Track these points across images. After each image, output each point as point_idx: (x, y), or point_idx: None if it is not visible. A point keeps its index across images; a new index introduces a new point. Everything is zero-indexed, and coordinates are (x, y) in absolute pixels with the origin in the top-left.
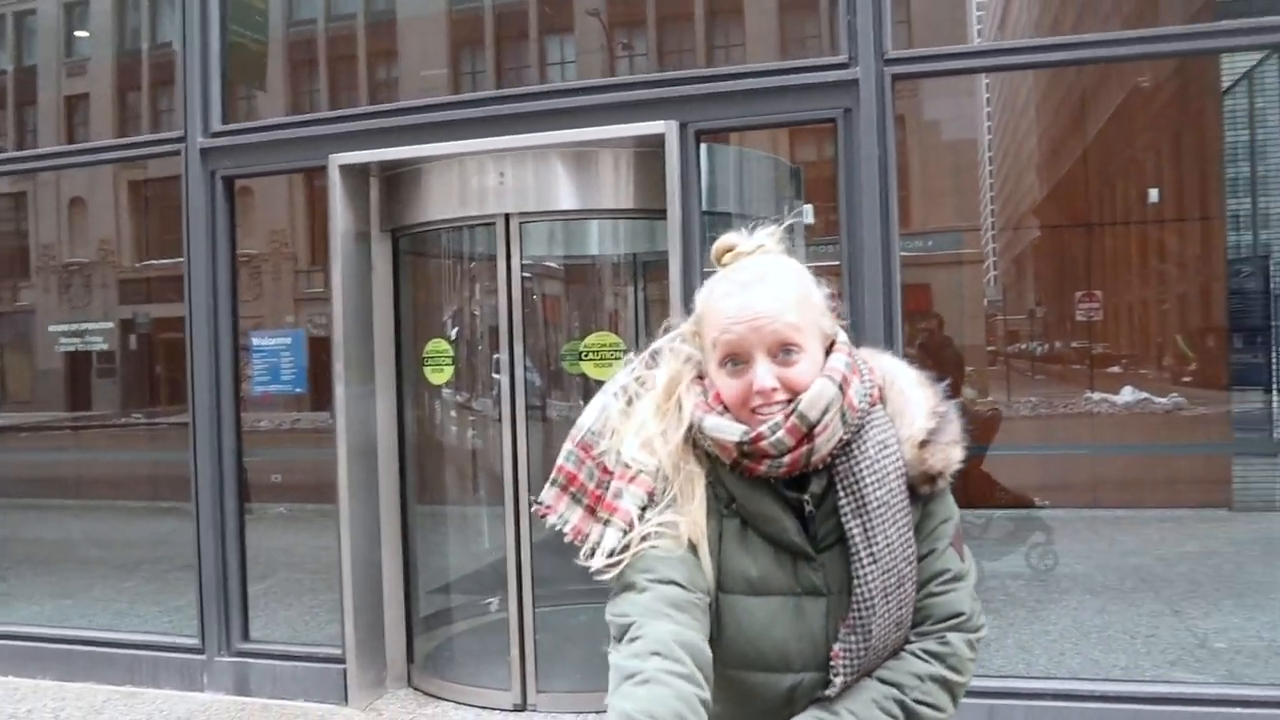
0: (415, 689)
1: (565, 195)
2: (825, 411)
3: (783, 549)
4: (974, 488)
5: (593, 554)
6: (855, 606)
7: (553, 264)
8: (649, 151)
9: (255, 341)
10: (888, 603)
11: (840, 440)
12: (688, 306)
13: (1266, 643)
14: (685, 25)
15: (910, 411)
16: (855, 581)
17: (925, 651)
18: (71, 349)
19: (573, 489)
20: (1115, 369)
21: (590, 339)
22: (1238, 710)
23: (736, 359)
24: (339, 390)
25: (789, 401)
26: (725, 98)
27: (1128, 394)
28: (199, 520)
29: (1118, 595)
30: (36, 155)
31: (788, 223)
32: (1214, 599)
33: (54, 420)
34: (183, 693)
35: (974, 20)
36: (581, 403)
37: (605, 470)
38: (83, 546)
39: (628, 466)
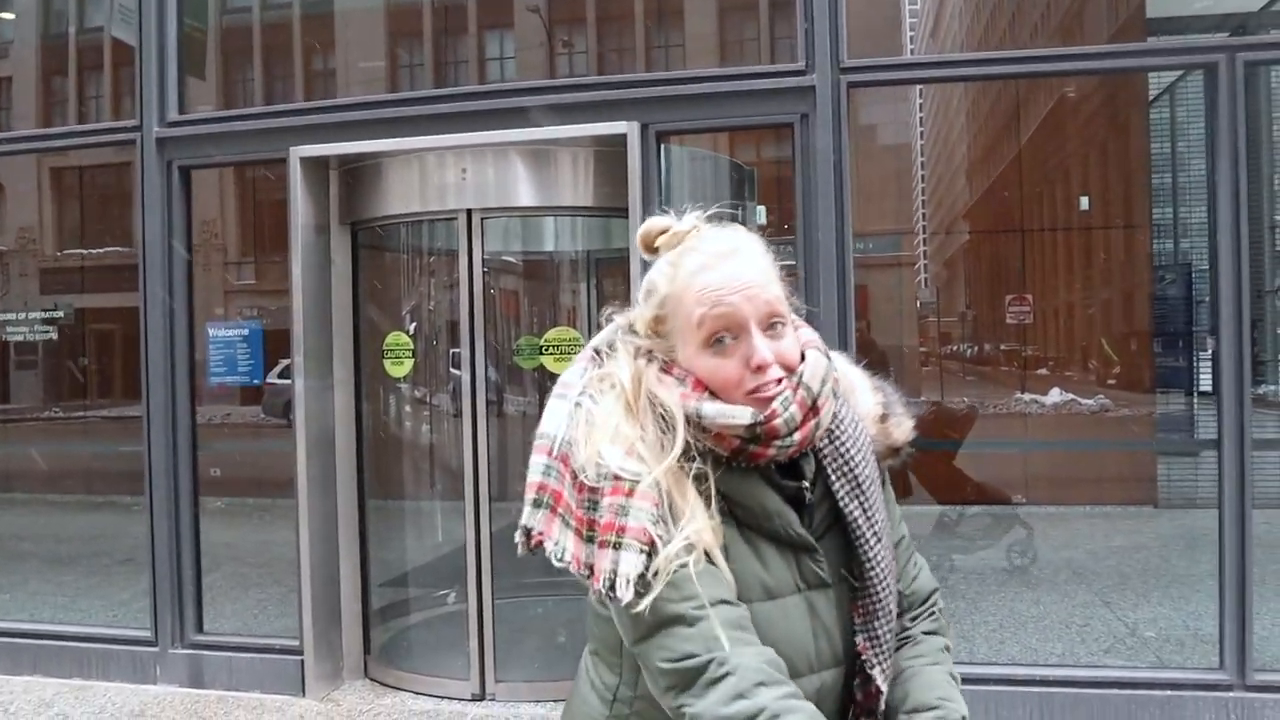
0: (372, 680)
1: (525, 192)
2: (824, 383)
3: (783, 544)
4: (947, 482)
5: (611, 585)
6: (871, 591)
7: (510, 259)
8: (608, 151)
9: (212, 333)
10: (895, 580)
11: (834, 416)
12: (632, 299)
13: (1191, 631)
14: (625, 25)
15: (858, 388)
16: (866, 565)
17: (932, 631)
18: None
19: (560, 510)
20: (1044, 371)
21: (550, 334)
22: (1167, 693)
23: (727, 334)
24: (298, 383)
25: (780, 381)
26: (686, 100)
27: (1055, 395)
28: (153, 512)
29: (1051, 587)
30: None
31: (711, 210)
32: (1142, 591)
33: None
34: (135, 685)
35: (907, 29)
36: (539, 397)
37: (582, 488)
38: (11, 540)
39: (618, 479)
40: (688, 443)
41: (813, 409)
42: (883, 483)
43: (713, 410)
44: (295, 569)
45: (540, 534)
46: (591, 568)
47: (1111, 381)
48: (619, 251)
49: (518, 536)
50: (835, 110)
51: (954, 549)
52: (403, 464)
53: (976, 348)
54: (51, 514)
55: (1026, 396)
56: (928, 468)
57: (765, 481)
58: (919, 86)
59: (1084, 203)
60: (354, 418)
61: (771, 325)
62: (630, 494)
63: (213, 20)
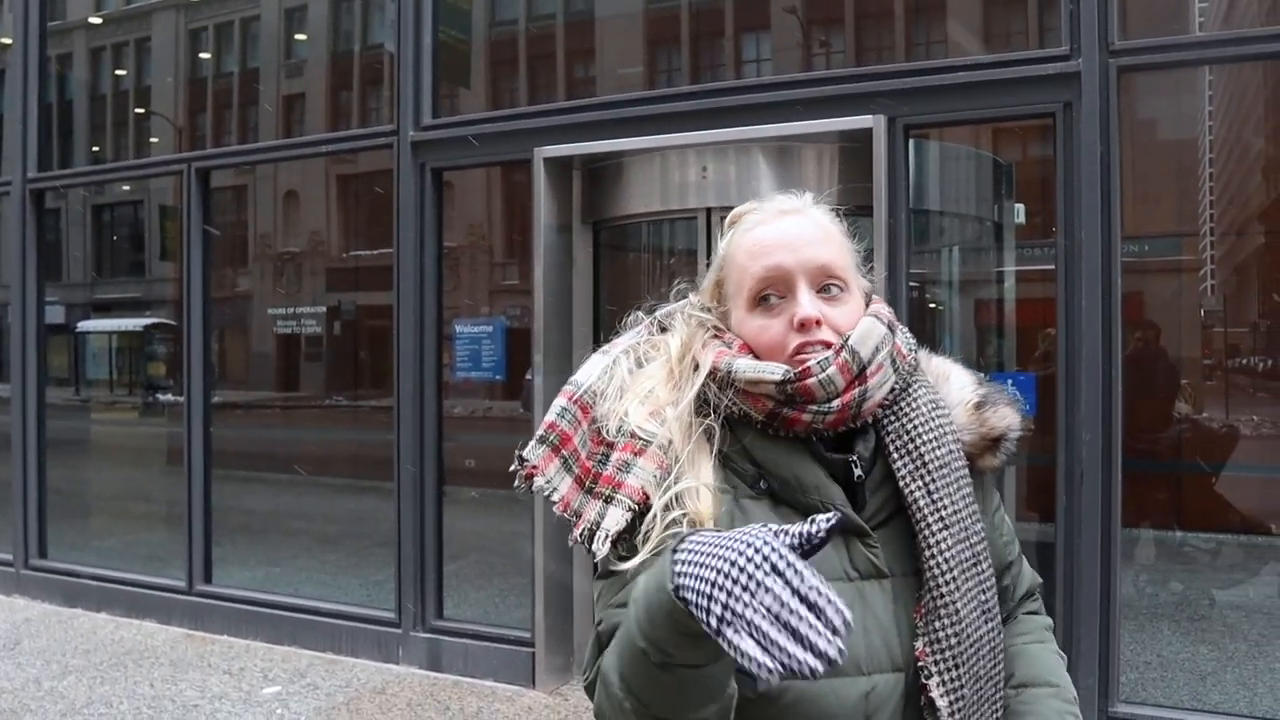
0: None
1: (767, 190)
2: (876, 350)
3: None
4: (1204, 508)
5: (591, 536)
6: (932, 584)
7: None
8: (854, 147)
9: (459, 329)
10: (968, 580)
11: (891, 390)
12: None
13: None
14: (885, 24)
15: (955, 378)
16: (927, 553)
17: (1033, 612)
18: (287, 331)
19: (565, 452)
20: None
21: None
22: None
23: (774, 291)
24: (538, 380)
25: (829, 345)
26: (936, 91)
27: None
28: (399, 500)
29: None
30: (260, 148)
31: (824, 195)
32: None
33: (265, 399)
34: (379, 664)
35: (1196, 8)
36: None
37: (599, 439)
38: (289, 519)
39: (634, 437)
40: (716, 409)
41: (859, 377)
42: (987, 494)
43: (744, 365)
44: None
45: (533, 468)
46: (579, 515)
47: None
48: (864, 251)
49: (514, 466)
50: (1103, 98)
51: (1211, 582)
52: None
53: (1270, 361)
54: (324, 495)
55: None
56: (1185, 492)
57: (808, 454)
58: (1208, 76)
59: None
60: None
61: (826, 289)
62: (640, 453)
63: (478, 31)
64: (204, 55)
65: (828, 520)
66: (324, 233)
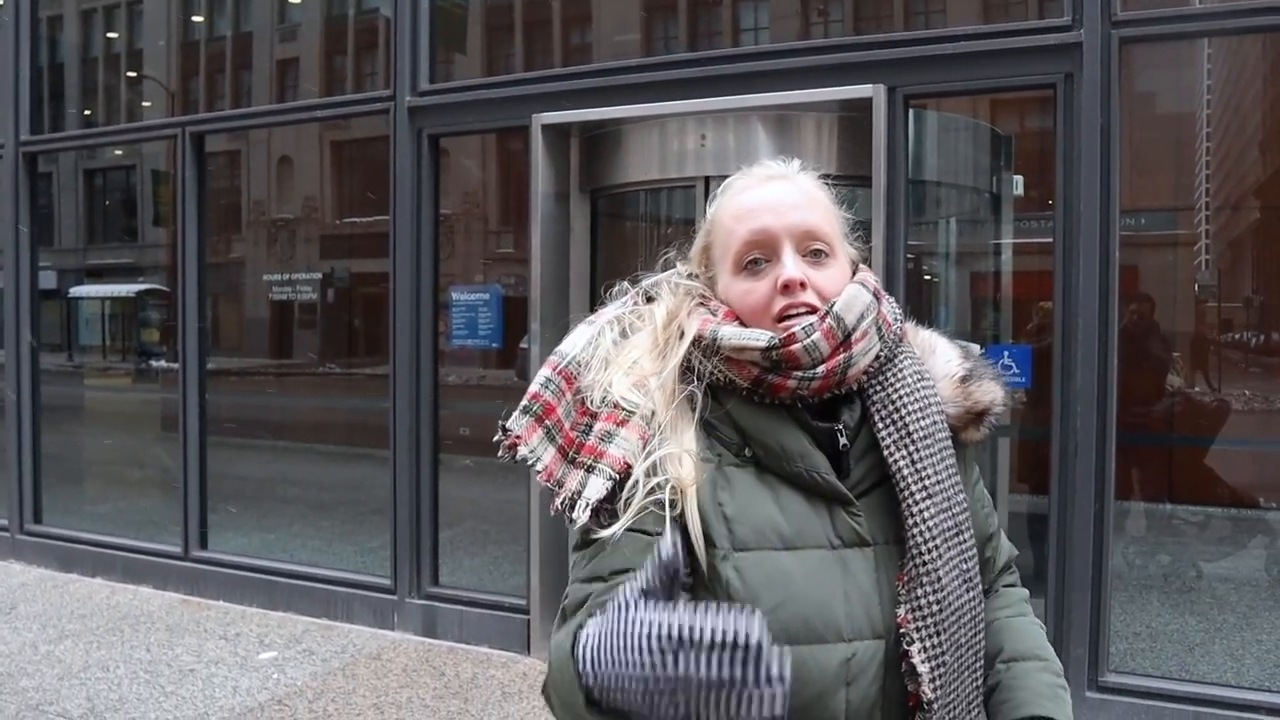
0: None
1: (766, 159)
2: (861, 318)
3: (813, 493)
4: (1195, 482)
5: (572, 505)
6: (915, 552)
7: None
8: (853, 116)
9: (455, 297)
10: (950, 549)
11: (876, 359)
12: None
13: None
14: None
15: (941, 351)
16: (909, 521)
17: (1011, 586)
18: (281, 299)
19: (548, 422)
20: None
21: None
22: None
23: (759, 255)
24: (534, 348)
25: (813, 310)
26: (937, 61)
27: None
28: (395, 467)
29: None
30: (256, 113)
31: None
32: None
33: (258, 366)
34: (374, 629)
35: None
36: None
37: (583, 410)
38: (283, 485)
39: (617, 407)
40: (701, 377)
41: (844, 344)
42: (968, 467)
43: (729, 332)
44: (525, 529)
45: (517, 438)
46: (561, 484)
47: None
48: (862, 221)
49: (497, 436)
50: (1105, 69)
51: (1200, 555)
52: None
53: (1263, 336)
54: (317, 462)
55: None
56: (1175, 464)
57: (793, 421)
58: (1207, 50)
59: None
60: None
61: (813, 253)
62: (622, 424)
63: None
64: (196, 19)
65: (668, 553)
66: (318, 199)
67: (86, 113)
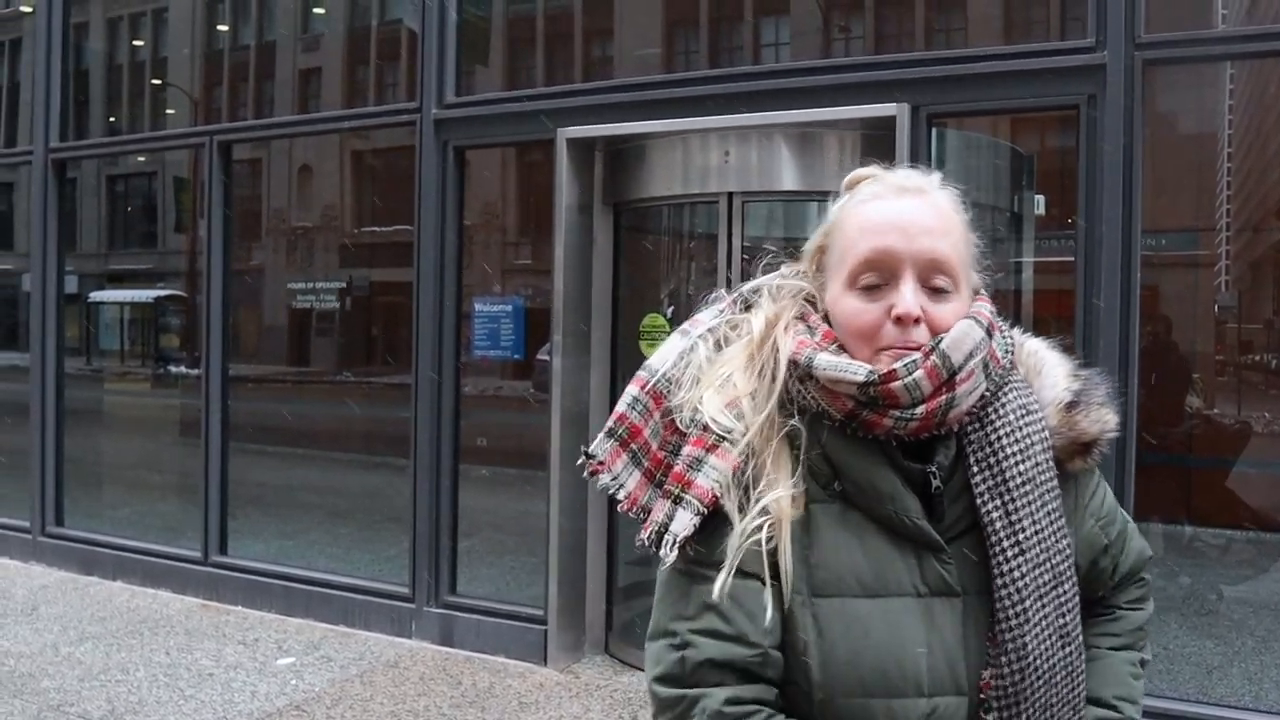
0: (611, 656)
1: (788, 176)
2: (970, 356)
3: (902, 537)
4: (1215, 504)
5: (659, 537)
6: (1002, 614)
7: (770, 246)
8: (877, 134)
9: (477, 308)
10: (1044, 607)
11: (981, 398)
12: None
13: None
14: (905, 9)
15: (1049, 373)
16: (998, 581)
17: (1134, 602)
18: (301, 307)
19: (634, 445)
20: None
21: None
22: None
23: (876, 274)
24: (556, 361)
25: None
26: (961, 80)
27: None
28: (415, 476)
29: None
30: (283, 123)
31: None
32: None
33: (277, 373)
34: (392, 637)
35: (1220, 2)
36: None
37: (673, 429)
38: (302, 492)
39: (706, 430)
40: (794, 401)
41: (947, 383)
42: (1079, 491)
43: (825, 361)
44: (544, 540)
45: (600, 464)
46: (647, 512)
47: None
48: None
49: (579, 460)
50: (1128, 91)
51: (1220, 578)
52: None
53: None
54: (336, 470)
55: None
56: (1195, 486)
57: (885, 459)
58: (1230, 71)
59: None
60: (608, 396)
61: (934, 284)
62: (712, 449)
63: (498, 8)
64: (221, 27)
65: None
66: (338, 208)
67: (111, 120)
